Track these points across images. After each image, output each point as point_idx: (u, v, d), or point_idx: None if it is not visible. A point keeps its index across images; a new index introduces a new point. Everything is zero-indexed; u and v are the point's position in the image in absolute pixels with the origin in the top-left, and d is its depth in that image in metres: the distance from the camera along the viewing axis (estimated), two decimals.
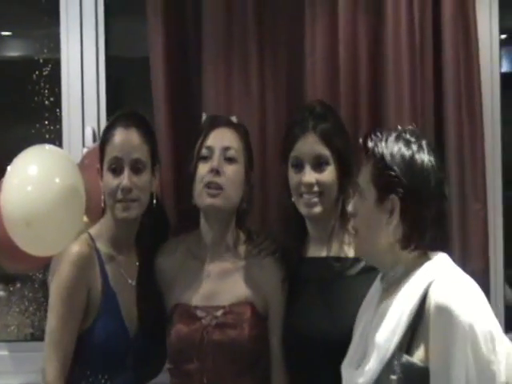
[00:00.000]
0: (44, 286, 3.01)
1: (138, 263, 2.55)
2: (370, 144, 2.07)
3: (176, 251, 2.55)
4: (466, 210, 2.88)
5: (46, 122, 3.31)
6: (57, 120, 3.25)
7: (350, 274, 2.43)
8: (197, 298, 2.45)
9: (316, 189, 2.44)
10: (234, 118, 2.56)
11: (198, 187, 2.44)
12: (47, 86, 3.31)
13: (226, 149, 2.46)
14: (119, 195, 2.44)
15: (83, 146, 3.09)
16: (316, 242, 2.53)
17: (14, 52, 3.57)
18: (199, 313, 2.43)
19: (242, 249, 2.53)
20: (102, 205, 2.48)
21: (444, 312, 1.89)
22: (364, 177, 2.08)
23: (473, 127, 2.88)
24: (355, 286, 2.35)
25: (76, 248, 2.41)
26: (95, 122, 3.15)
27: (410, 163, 2.03)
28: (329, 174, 2.45)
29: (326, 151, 2.45)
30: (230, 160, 2.45)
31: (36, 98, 3.32)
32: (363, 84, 2.88)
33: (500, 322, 2.87)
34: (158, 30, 2.91)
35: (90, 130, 3.12)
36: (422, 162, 2.04)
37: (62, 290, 2.39)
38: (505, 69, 3.17)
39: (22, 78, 3.35)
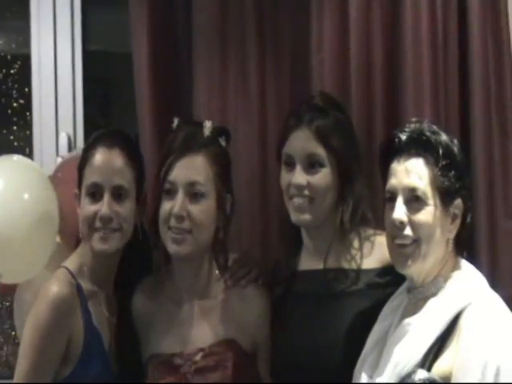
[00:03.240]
0: (12, 316, 2.84)
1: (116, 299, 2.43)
2: (425, 137, 2.00)
3: (154, 293, 2.40)
4: (495, 228, 2.69)
5: (15, 128, 3.27)
6: (27, 125, 3.18)
7: (350, 290, 2.26)
8: (173, 345, 2.31)
9: (307, 192, 2.26)
10: (207, 126, 2.31)
11: (162, 228, 2.28)
12: (16, 86, 3.27)
13: (192, 184, 2.26)
14: (97, 224, 2.29)
15: (57, 155, 3.00)
16: (311, 254, 2.36)
17: None
18: (176, 360, 2.29)
19: (219, 282, 2.38)
20: (80, 234, 2.34)
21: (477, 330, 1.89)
22: (421, 179, 1.99)
23: (503, 131, 2.70)
24: (356, 304, 2.22)
25: (55, 289, 2.23)
26: (71, 128, 3.06)
27: (465, 158, 2.04)
28: (322, 176, 2.26)
29: (320, 150, 2.26)
30: (197, 195, 2.26)
31: (3, 100, 3.28)
32: (378, 83, 2.72)
33: None
34: (142, 22, 2.77)
35: (64, 137, 3.03)
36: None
37: (37, 336, 2.21)
38: None
39: None
